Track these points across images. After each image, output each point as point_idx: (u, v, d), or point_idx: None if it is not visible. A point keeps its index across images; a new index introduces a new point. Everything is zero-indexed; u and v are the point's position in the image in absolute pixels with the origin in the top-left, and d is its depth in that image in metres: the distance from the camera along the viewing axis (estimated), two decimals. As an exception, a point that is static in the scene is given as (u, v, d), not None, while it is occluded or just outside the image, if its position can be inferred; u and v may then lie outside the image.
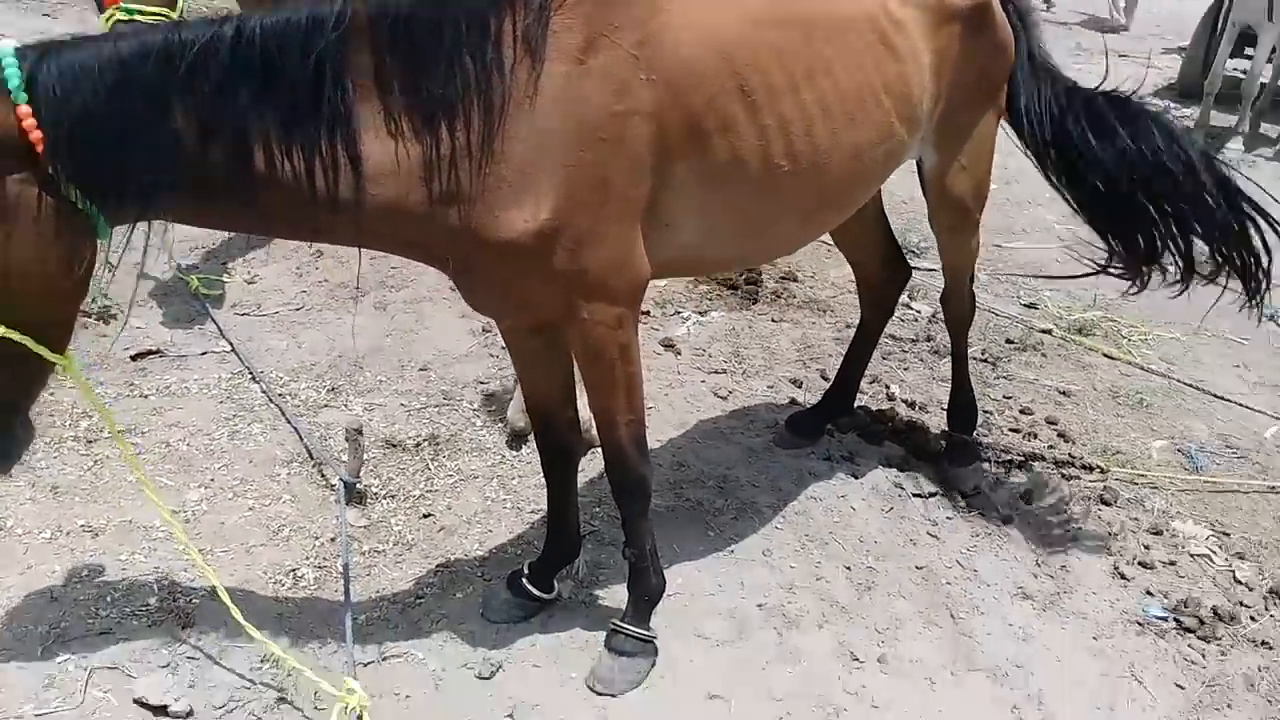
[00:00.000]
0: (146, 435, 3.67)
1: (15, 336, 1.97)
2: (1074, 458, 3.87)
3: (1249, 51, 7.66)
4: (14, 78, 1.82)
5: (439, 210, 2.15)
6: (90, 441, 3.55)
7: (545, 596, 2.96)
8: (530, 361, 2.80)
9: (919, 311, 5.06)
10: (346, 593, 2.89)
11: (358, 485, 3.42)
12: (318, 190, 2.06)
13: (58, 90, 1.84)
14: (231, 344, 4.33)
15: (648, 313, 4.85)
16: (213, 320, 4.49)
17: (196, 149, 1.97)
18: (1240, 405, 4.35)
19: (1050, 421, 4.15)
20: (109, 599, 2.84)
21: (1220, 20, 7.53)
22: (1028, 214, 6.36)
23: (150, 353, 4.25)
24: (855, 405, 4.01)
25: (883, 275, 3.73)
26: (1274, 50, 7.53)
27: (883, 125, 2.69)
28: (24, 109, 1.83)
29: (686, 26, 2.32)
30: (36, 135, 1.84)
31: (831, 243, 4.69)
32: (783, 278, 5.25)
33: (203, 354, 4.29)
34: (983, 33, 2.96)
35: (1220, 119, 7.84)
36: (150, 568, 3.00)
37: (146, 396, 3.93)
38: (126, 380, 4.03)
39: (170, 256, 4.86)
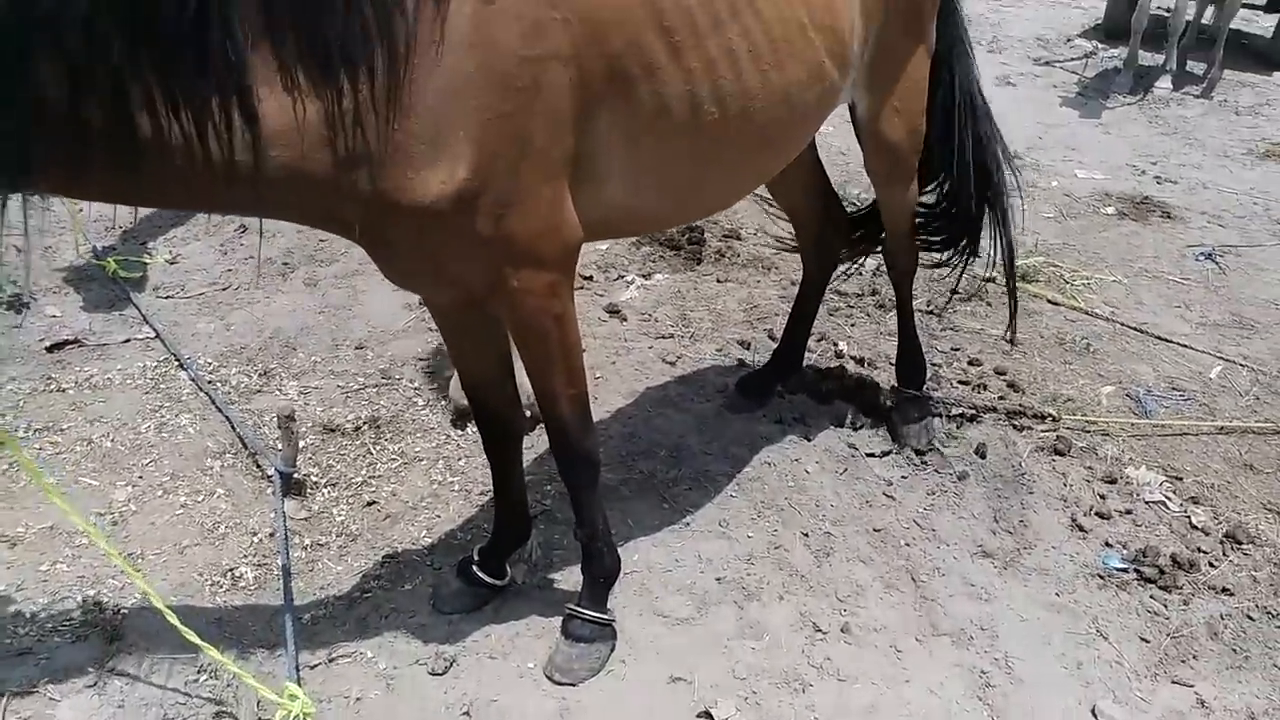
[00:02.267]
0: (66, 432, 3.47)
1: None
2: (1025, 408, 3.85)
3: (1170, -9, 7.64)
4: None
5: (346, 173, 1.95)
6: (1, 444, 3.33)
7: (498, 583, 2.86)
8: (460, 338, 2.65)
9: (862, 265, 4.97)
10: (287, 592, 2.76)
11: (295, 475, 3.27)
12: (211, 155, 1.83)
13: None
14: (156, 330, 4.12)
15: (590, 278, 4.72)
16: (134, 305, 4.27)
17: (67, 107, 1.69)
18: (1184, 346, 4.36)
19: (999, 372, 4.13)
20: (28, 615, 2.67)
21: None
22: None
23: (68, 343, 4.04)
24: (804, 364, 3.94)
25: (822, 227, 3.63)
26: None
27: (813, 64, 2.54)
28: None
29: None
30: None
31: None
32: (726, 235, 5.14)
33: (125, 341, 4.09)
34: None
35: (1147, 58, 7.83)
36: (74, 577, 2.83)
37: (65, 390, 3.72)
38: (43, 374, 3.81)
39: (83, 237, 4.62)
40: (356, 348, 4.12)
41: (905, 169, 3.23)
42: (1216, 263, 5.12)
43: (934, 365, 4.07)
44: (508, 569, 2.90)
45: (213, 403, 3.65)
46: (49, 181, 1.82)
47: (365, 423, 3.65)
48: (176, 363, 3.92)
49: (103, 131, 1.73)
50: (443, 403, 3.76)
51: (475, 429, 3.56)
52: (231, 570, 2.94)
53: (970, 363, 4.18)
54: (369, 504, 3.26)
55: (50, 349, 3.96)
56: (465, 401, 3.56)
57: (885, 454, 3.57)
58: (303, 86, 1.84)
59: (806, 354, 3.96)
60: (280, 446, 3.27)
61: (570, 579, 2.95)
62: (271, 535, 3.06)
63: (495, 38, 1.97)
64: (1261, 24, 9.01)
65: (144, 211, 4.95)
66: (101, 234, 4.78)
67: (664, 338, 4.30)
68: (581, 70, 2.10)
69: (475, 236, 2.10)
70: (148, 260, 4.62)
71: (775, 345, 3.98)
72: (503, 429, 2.78)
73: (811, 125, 2.83)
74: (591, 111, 2.17)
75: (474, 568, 2.84)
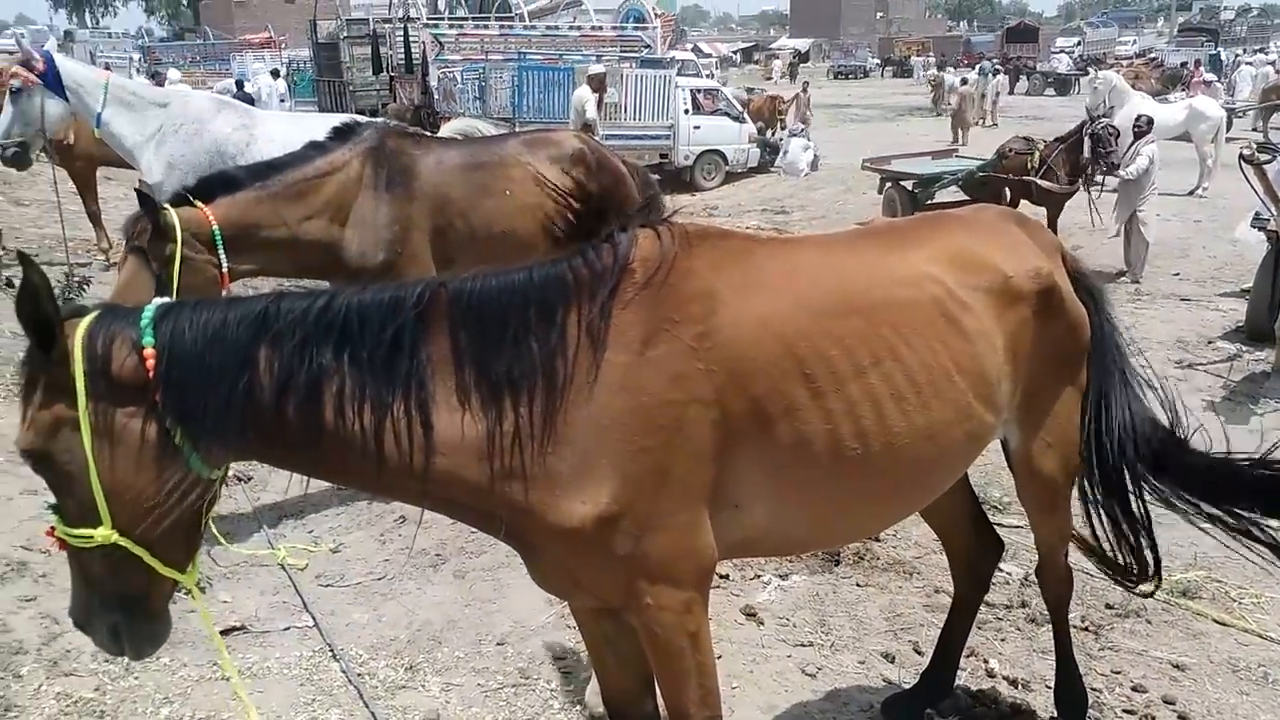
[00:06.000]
0: (224, 724, 3.62)
1: (129, 545, 2.06)
2: (1201, 747, 3.56)
3: (1314, 296, 7.58)
4: (149, 326, 2.08)
5: (501, 486, 2.21)
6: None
7: None
8: (603, 647, 2.73)
9: (1010, 574, 4.84)
10: None
11: (434, 782, 3.29)
12: (385, 450, 2.16)
13: (172, 338, 2.07)
14: (314, 619, 4.33)
15: (726, 576, 4.74)
16: (298, 594, 4.52)
17: (273, 398, 2.11)
18: (1379, 684, 3.99)
19: (1168, 701, 3.85)
20: None
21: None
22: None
23: (234, 629, 4.27)
24: (954, 685, 3.79)
25: (973, 548, 3.60)
26: None
27: (959, 404, 2.64)
28: (150, 351, 2.05)
29: (746, 319, 2.38)
30: (153, 375, 2.04)
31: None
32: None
33: (285, 629, 4.30)
34: (1054, 315, 2.94)
35: (1294, 361, 7.66)
36: None
37: (227, 678, 3.90)
38: (210, 660, 4.02)
39: (261, 526, 5.00)
40: (498, 644, 4.20)
41: (1059, 500, 3.22)
42: (1404, 587, 4.75)
43: (1094, 690, 3.83)
44: None
45: (361, 699, 3.76)
46: (257, 452, 2.22)
47: (503, 727, 3.67)
48: (330, 653, 4.09)
49: (298, 419, 2.13)
50: (578, 708, 3.76)
51: (611, 739, 3.54)
52: None
53: (1134, 689, 3.92)
54: (503, 816, 3.23)
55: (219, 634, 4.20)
56: (600, 710, 3.57)
57: (1046, 794, 3.34)
58: (473, 407, 2.20)
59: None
60: (422, 749, 3.33)
61: None
62: (407, 846, 3.05)
63: (644, 384, 2.25)
64: None
65: (314, 501, 5.37)
66: (275, 522, 5.16)
67: (803, 645, 4.23)
68: (724, 411, 2.32)
69: (612, 554, 2.27)
70: (313, 550, 4.93)
71: (921, 659, 3.85)
72: (640, 748, 2.78)
73: (961, 461, 2.89)
74: (732, 445, 2.35)
75: None
